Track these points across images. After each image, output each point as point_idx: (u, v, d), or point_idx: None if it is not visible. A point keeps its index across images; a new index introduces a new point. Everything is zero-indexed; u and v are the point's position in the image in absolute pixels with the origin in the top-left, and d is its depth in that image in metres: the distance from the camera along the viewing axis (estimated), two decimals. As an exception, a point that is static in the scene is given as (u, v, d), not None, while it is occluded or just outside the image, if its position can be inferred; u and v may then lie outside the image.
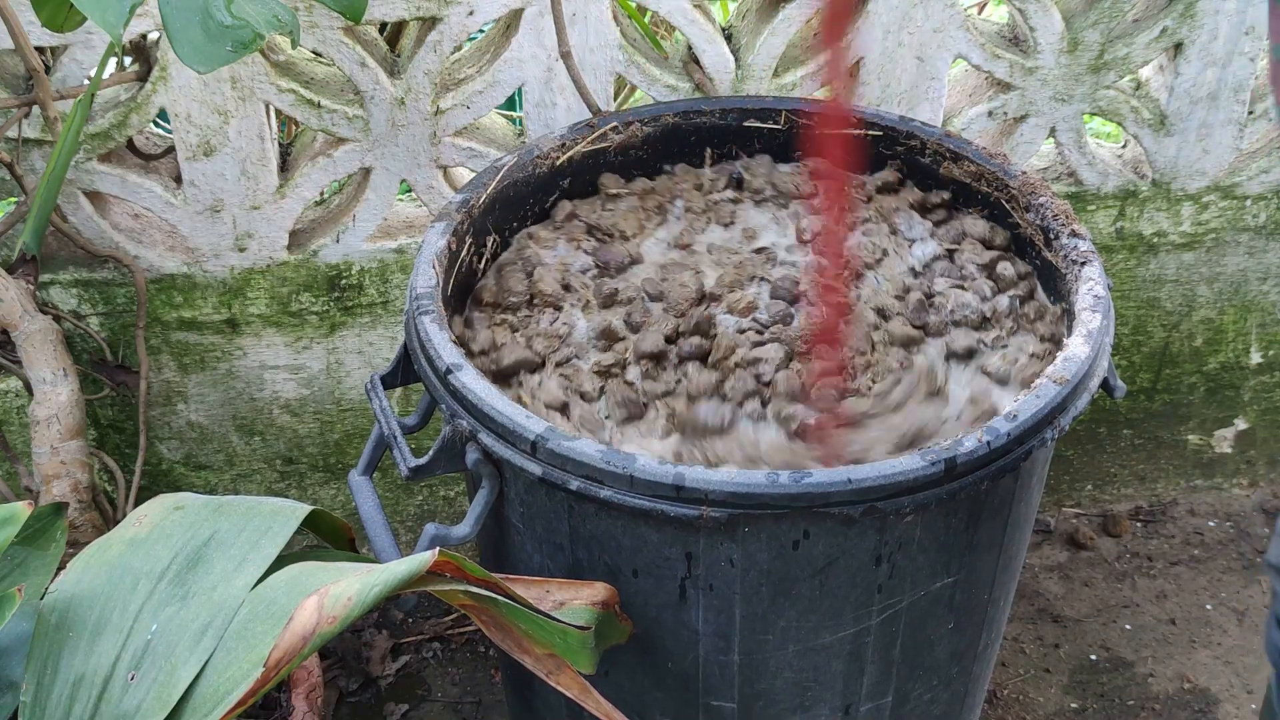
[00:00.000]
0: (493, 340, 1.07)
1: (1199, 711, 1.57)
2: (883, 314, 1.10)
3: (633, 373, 1.05)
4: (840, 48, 1.00)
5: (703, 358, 1.06)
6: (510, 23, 1.36)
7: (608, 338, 1.08)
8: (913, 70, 1.45)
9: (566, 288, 1.13)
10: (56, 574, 0.97)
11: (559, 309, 1.11)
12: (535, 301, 1.12)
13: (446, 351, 0.97)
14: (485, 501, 0.96)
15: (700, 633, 0.97)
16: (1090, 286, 1.02)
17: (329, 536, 1.17)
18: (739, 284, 1.13)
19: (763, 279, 1.14)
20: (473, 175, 1.26)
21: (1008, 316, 1.10)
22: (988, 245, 1.18)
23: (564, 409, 1.01)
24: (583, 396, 1.03)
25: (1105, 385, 1.02)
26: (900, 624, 0.99)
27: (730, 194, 1.25)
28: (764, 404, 1.02)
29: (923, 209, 1.22)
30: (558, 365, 1.06)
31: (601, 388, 1.04)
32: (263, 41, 0.99)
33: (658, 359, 1.05)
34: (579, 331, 1.09)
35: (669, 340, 1.07)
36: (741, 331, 1.08)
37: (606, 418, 1.02)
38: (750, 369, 1.04)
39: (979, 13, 1.73)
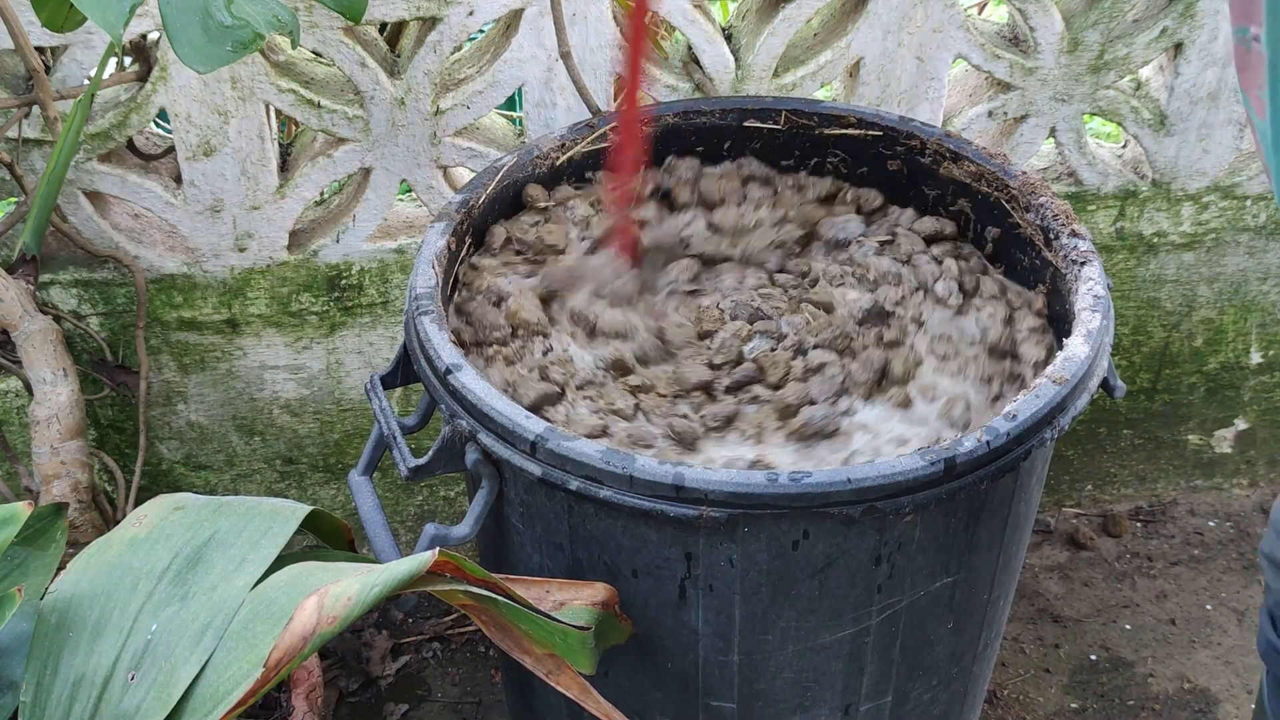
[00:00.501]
0: (505, 381, 1.04)
1: (1199, 711, 1.57)
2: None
3: (682, 406, 1.05)
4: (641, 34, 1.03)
5: (757, 382, 1.07)
6: (510, 23, 1.36)
7: (619, 369, 1.07)
8: (913, 70, 1.45)
9: (548, 316, 1.11)
10: (56, 574, 0.97)
11: (546, 335, 1.09)
12: (519, 332, 1.09)
13: (446, 351, 0.97)
14: (485, 502, 0.96)
15: (700, 633, 0.97)
16: (1090, 286, 1.02)
17: (329, 536, 1.17)
18: (719, 321, 1.14)
19: (726, 310, 1.15)
20: (473, 175, 1.26)
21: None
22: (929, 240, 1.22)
23: (604, 432, 1.00)
24: (619, 414, 1.02)
25: (1105, 385, 1.02)
26: (900, 624, 0.99)
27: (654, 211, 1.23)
28: (848, 396, 1.05)
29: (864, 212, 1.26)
30: (579, 389, 1.04)
31: (636, 405, 1.03)
32: (263, 41, 0.99)
33: (706, 389, 1.06)
34: (582, 361, 1.08)
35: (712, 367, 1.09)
36: (773, 350, 1.10)
37: (664, 437, 1.01)
38: (819, 374, 1.06)
39: (979, 13, 1.73)
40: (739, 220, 1.22)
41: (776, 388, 1.06)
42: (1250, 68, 0.75)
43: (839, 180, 1.27)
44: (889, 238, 1.22)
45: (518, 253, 1.17)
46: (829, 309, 1.15)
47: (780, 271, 1.21)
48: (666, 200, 1.24)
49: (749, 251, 1.21)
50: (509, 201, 1.21)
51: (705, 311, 1.15)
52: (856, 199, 1.26)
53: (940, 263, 1.19)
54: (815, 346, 1.10)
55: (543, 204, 1.21)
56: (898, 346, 1.10)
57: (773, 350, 1.10)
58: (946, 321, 1.14)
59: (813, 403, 1.04)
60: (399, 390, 1.55)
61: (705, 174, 1.26)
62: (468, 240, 1.15)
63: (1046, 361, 1.07)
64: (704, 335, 1.13)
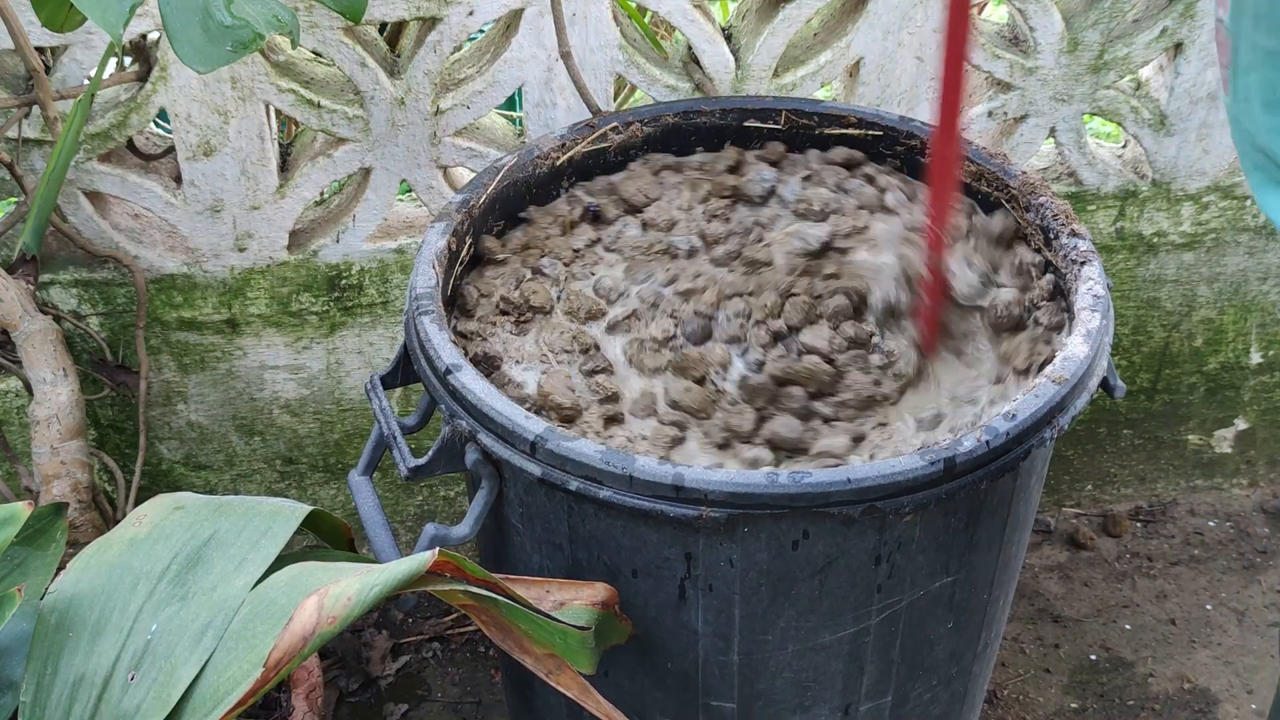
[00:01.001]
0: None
1: (1199, 711, 1.57)
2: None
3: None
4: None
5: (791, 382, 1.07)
6: (510, 23, 1.36)
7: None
8: (913, 70, 1.45)
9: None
10: (56, 574, 0.97)
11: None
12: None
13: (446, 351, 0.97)
14: (485, 502, 0.96)
15: (700, 633, 0.97)
16: (1090, 286, 1.02)
17: (329, 536, 1.17)
18: (701, 360, 1.11)
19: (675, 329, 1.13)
20: (473, 175, 1.26)
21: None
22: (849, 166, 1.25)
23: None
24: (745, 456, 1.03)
25: (1105, 385, 1.02)
26: (900, 624, 0.99)
27: (588, 234, 1.20)
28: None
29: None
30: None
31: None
32: (263, 41, 0.99)
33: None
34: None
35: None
36: (762, 365, 1.09)
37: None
38: (841, 349, 1.09)
39: (979, 13, 1.73)
40: (669, 214, 1.21)
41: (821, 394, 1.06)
42: (1221, 46, 0.78)
43: (742, 149, 1.27)
44: (808, 173, 1.23)
45: (503, 312, 1.12)
46: (763, 265, 1.14)
47: (714, 242, 1.19)
48: (596, 219, 1.22)
49: (679, 234, 1.20)
50: (509, 202, 1.21)
51: (682, 356, 1.08)
52: (761, 157, 1.26)
53: (873, 180, 1.20)
54: (793, 328, 1.10)
55: (500, 256, 1.17)
56: (838, 278, 1.13)
57: (762, 365, 1.07)
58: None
59: (879, 384, 1.05)
60: (399, 390, 1.55)
61: (616, 181, 1.24)
62: (468, 240, 1.15)
63: (1034, 267, 1.12)
64: (700, 380, 1.07)
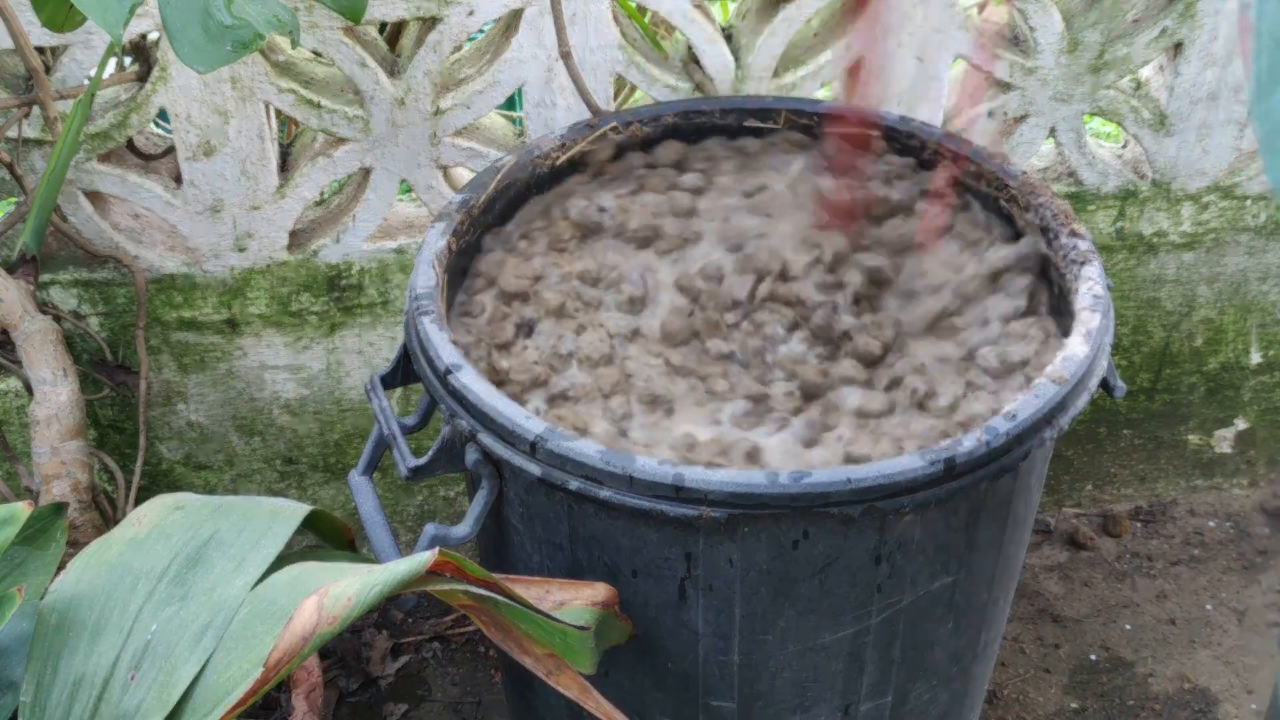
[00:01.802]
0: None
1: (1199, 711, 1.57)
2: None
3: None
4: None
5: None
6: (510, 23, 1.36)
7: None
8: (913, 70, 1.45)
9: None
10: (56, 574, 0.97)
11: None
12: None
13: (446, 352, 0.97)
14: (485, 502, 0.96)
15: (700, 633, 0.97)
16: (1090, 286, 1.02)
17: (329, 536, 1.17)
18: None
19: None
20: (473, 175, 1.26)
21: None
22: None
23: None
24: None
25: (1105, 385, 1.02)
26: (900, 624, 0.99)
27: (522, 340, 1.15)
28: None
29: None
30: None
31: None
32: (263, 41, 0.99)
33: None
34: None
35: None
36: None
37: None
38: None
39: (979, 13, 1.73)
40: (551, 289, 1.17)
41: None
42: (1247, 32, 0.77)
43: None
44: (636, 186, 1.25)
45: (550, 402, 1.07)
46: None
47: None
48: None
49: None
50: (509, 201, 1.21)
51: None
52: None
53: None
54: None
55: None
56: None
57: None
58: None
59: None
60: (399, 390, 1.55)
61: (494, 276, 1.18)
62: (468, 240, 1.15)
63: None
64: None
